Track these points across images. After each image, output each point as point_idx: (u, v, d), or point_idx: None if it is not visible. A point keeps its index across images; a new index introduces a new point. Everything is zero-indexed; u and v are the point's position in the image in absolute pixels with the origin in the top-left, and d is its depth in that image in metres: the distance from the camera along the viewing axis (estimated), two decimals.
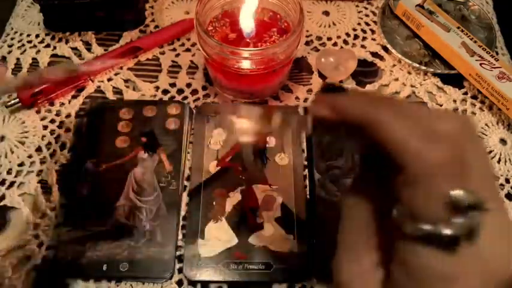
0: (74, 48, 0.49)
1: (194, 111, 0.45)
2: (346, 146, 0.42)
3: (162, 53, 0.49)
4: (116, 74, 0.47)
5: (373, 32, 0.51)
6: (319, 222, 0.38)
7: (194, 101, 0.46)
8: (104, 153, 0.41)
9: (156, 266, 0.36)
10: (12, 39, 0.50)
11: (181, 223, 0.39)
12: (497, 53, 0.49)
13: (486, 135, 0.44)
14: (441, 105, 0.46)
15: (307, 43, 0.50)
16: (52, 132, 0.44)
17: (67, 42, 0.50)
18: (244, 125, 0.43)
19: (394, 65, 0.49)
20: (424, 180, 0.18)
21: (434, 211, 0.18)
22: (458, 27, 0.48)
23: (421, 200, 0.19)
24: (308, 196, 0.40)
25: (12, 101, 0.44)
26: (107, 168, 0.41)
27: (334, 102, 0.22)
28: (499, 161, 0.43)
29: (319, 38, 0.51)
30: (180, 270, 0.36)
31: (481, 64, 0.45)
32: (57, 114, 0.45)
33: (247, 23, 0.43)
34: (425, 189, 0.18)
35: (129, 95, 0.46)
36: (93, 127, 0.43)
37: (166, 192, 0.39)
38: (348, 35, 0.51)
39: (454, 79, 0.47)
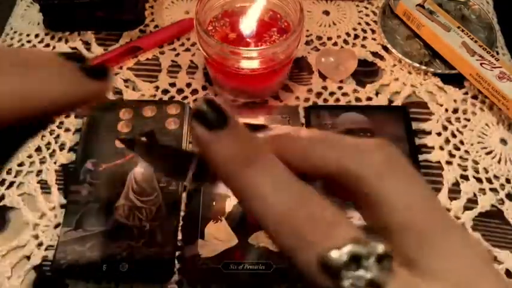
0: (74, 48, 0.49)
1: None
2: None
3: (162, 53, 0.49)
4: (115, 74, 0.47)
5: (373, 31, 0.51)
6: None
7: (194, 101, 0.46)
8: (104, 153, 0.41)
9: (156, 266, 0.36)
10: (11, 39, 0.50)
11: (181, 223, 0.39)
12: (497, 53, 0.49)
13: (486, 135, 0.44)
14: (441, 105, 0.46)
15: (307, 43, 0.50)
16: (52, 132, 0.44)
17: (67, 42, 0.50)
18: None
19: (394, 65, 0.48)
20: None
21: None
22: (458, 27, 0.48)
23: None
24: None
25: None
26: (106, 168, 0.41)
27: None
28: (499, 161, 0.42)
29: (319, 38, 0.51)
30: (180, 271, 0.36)
31: (481, 64, 0.45)
32: None
33: (248, 24, 0.43)
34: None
35: (129, 95, 0.46)
36: (93, 127, 0.43)
37: (166, 193, 0.39)
38: (348, 34, 0.51)
39: (455, 79, 0.47)
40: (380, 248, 0.15)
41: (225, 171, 0.18)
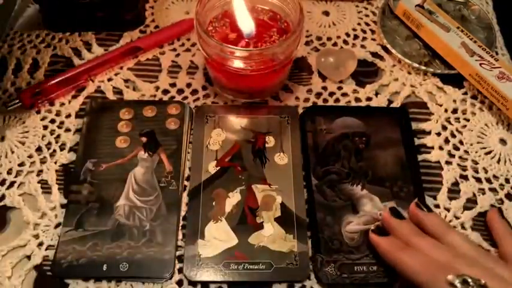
0: (74, 48, 0.49)
1: (193, 111, 0.45)
2: (342, 152, 0.42)
3: (162, 53, 0.49)
4: (116, 74, 0.47)
5: (373, 32, 0.51)
6: (318, 226, 0.38)
7: (194, 101, 0.46)
8: (104, 153, 0.41)
9: (156, 266, 0.36)
10: (12, 39, 0.50)
11: (181, 223, 0.39)
12: (497, 53, 0.49)
13: (486, 135, 0.44)
14: (441, 105, 0.46)
15: (307, 43, 0.50)
16: (52, 132, 0.44)
17: (67, 42, 0.50)
18: (243, 125, 0.44)
19: (394, 65, 0.49)
20: None
21: None
22: (458, 27, 0.48)
23: None
24: (306, 197, 0.40)
25: (13, 101, 0.44)
26: (107, 168, 0.41)
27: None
28: (498, 161, 0.43)
29: (319, 38, 0.51)
30: (180, 271, 0.36)
31: (480, 64, 0.45)
32: (57, 114, 0.45)
33: (246, 25, 0.43)
34: None
35: (129, 95, 0.46)
36: (93, 127, 0.43)
37: (167, 192, 0.39)
38: (347, 35, 0.51)
39: (454, 79, 0.47)
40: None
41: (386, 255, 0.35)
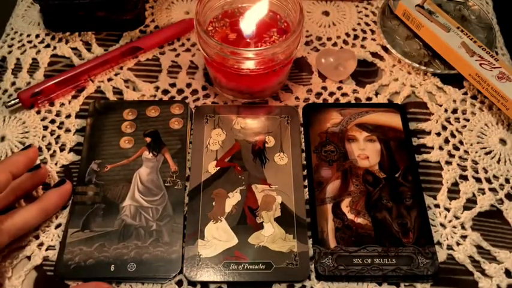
0: (74, 48, 0.49)
1: (193, 111, 0.45)
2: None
3: (162, 53, 0.49)
4: (116, 74, 0.47)
5: (373, 32, 0.51)
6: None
7: (194, 101, 0.46)
8: (109, 154, 0.41)
9: (164, 265, 0.36)
10: (12, 39, 0.50)
11: None
12: (497, 53, 0.49)
13: (486, 135, 0.44)
14: (441, 105, 0.46)
15: (307, 43, 0.50)
16: (52, 132, 0.44)
17: (67, 42, 0.50)
18: (243, 125, 0.44)
19: (394, 65, 0.49)
20: None
21: None
22: (458, 27, 0.48)
23: None
24: (308, 196, 0.40)
25: (13, 101, 0.44)
26: (111, 168, 0.41)
27: None
28: (498, 161, 0.43)
29: (319, 38, 0.51)
30: (180, 271, 0.36)
31: (480, 64, 0.45)
32: (58, 115, 0.45)
33: (248, 25, 0.43)
34: None
35: (129, 95, 0.46)
36: (97, 128, 0.43)
37: (172, 192, 0.40)
38: (347, 35, 0.51)
39: (454, 79, 0.47)
40: None
41: None
